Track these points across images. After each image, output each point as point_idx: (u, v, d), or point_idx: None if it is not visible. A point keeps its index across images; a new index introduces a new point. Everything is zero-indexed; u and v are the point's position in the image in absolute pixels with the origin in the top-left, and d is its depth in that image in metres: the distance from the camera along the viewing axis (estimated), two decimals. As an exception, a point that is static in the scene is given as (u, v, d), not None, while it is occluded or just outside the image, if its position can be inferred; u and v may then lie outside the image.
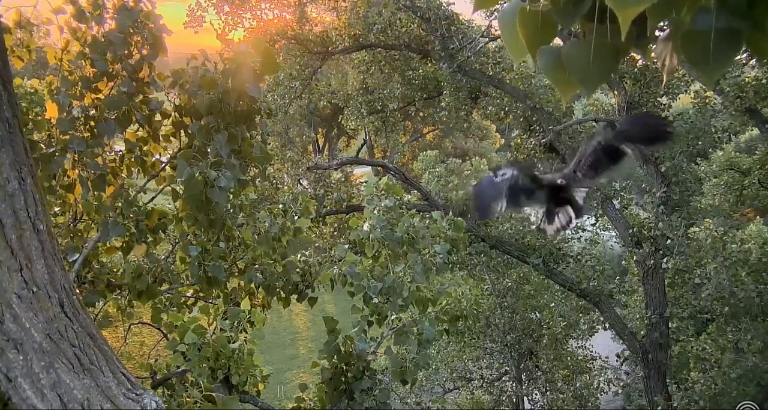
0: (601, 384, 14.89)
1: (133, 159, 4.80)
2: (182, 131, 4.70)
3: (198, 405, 4.18)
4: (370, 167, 22.90)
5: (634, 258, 12.05)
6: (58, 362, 2.09)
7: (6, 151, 2.11)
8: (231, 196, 4.72)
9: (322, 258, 5.69)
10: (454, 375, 15.39)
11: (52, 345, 2.10)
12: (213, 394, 4.19)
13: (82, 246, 4.62)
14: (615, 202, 12.74)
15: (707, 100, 12.41)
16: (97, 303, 5.00)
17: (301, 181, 14.51)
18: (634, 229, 12.01)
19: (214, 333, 4.68)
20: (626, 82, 11.87)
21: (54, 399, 2.08)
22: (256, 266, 5.24)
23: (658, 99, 12.12)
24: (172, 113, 4.65)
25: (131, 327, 5.88)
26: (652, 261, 11.67)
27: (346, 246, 5.32)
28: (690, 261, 11.30)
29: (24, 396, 2.08)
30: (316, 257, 5.66)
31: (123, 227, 4.45)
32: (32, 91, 6.46)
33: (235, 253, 5.27)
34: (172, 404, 4.25)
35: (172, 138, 4.82)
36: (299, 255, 5.50)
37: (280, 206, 5.56)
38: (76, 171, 4.46)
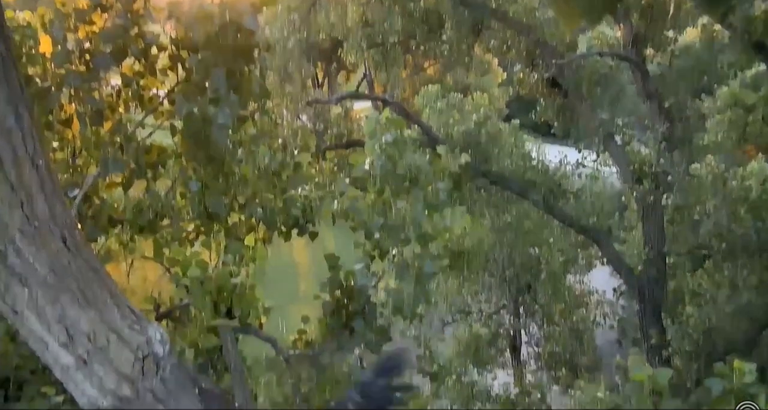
0: (597, 318, 15.16)
1: (130, 94, 4.75)
2: (179, 65, 4.62)
3: (201, 336, 4.27)
4: (370, 102, 22.64)
5: (634, 195, 12.05)
6: (62, 296, 2.12)
7: (1, 86, 2.07)
8: (230, 132, 4.68)
9: (323, 193, 5.69)
10: (453, 308, 15.63)
11: (56, 280, 2.11)
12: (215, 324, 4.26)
13: (81, 182, 4.62)
14: (617, 138, 12.66)
15: (714, 34, 12.17)
16: (98, 239, 5.04)
17: (300, 116, 14.37)
18: (635, 165, 11.95)
19: (216, 268, 4.73)
20: (633, 16, 11.59)
21: (60, 331, 2.11)
22: (257, 201, 5.25)
23: (665, 33, 11.88)
24: (169, 46, 4.57)
25: (133, 262, 5.95)
26: (652, 198, 11.68)
27: (347, 180, 5.31)
28: (690, 198, 11.30)
29: (31, 328, 2.11)
30: (316, 192, 5.67)
31: (122, 162, 4.43)
32: (25, 24, 6.31)
33: (235, 188, 5.27)
34: (176, 336, 4.33)
35: (169, 71, 4.75)
36: (299, 190, 5.51)
37: (280, 141, 5.53)
38: (73, 106, 4.42)
